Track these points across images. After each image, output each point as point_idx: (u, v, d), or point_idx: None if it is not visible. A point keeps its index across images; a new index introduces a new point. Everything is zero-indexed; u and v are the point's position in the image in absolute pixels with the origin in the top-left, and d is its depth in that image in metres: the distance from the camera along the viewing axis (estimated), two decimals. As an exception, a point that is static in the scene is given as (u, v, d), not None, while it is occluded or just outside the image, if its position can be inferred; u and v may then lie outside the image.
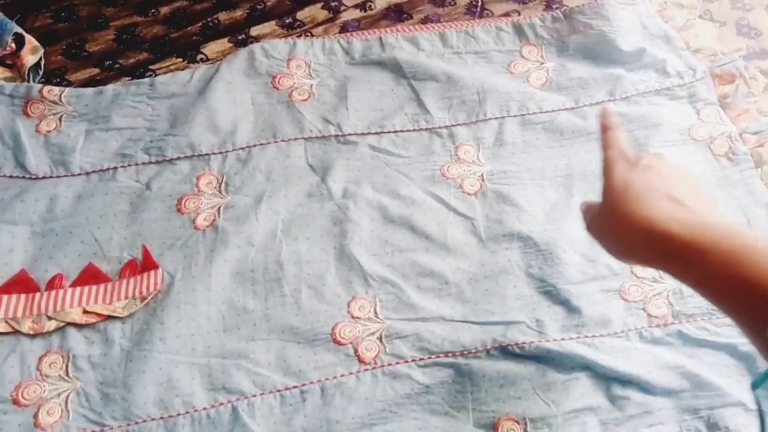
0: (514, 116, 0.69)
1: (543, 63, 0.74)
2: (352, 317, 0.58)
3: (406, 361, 0.56)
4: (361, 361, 0.56)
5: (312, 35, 0.76)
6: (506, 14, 0.80)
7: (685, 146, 0.69)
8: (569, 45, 0.75)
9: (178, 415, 0.53)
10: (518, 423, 0.54)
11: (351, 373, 0.55)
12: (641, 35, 0.75)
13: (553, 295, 0.59)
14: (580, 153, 0.67)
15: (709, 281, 0.36)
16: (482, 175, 0.66)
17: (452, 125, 0.69)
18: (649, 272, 0.61)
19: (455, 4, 0.81)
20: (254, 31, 0.77)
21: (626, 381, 0.55)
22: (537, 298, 0.59)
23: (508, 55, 0.75)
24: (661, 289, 0.60)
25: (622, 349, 0.57)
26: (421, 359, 0.56)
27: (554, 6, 0.80)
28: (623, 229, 0.40)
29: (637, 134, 0.68)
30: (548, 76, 0.73)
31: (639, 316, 0.59)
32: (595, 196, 0.64)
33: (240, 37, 0.76)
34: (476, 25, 0.77)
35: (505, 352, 0.56)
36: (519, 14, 0.79)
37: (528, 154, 0.67)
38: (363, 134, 0.68)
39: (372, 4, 0.80)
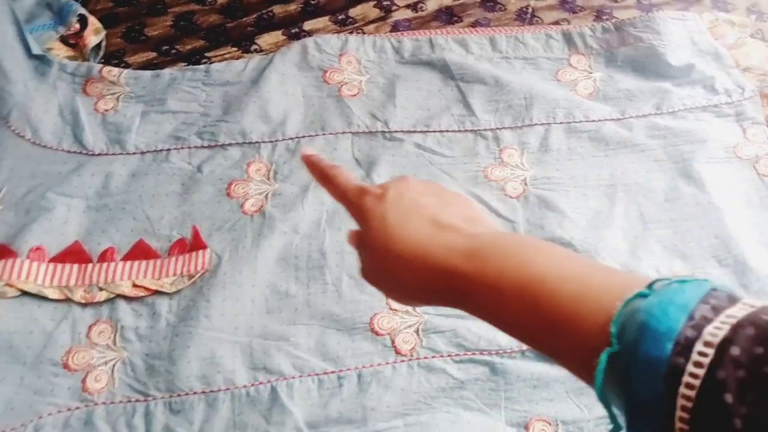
0: (560, 123, 0.70)
1: (591, 73, 0.75)
2: (391, 309, 0.59)
3: (442, 356, 0.57)
4: (397, 352, 0.57)
5: (363, 32, 0.78)
6: (556, 22, 0.80)
7: (729, 164, 0.69)
8: (618, 56, 0.75)
9: (219, 390, 0.54)
10: (550, 425, 0.54)
11: (387, 363, 0.56)
12: (691, 51, 0.75)
13: (589, 301, 0.60)
14: (624, 164, 0.68)
15: (512, 323, 0.30)
16: (525, 179, 0.67)
17: (498, 128, 0.70)
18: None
19: (505, 9, 0.82)
20: (307, 25, 0.78)
21: (659, 391, 0.55)
22: (574, 304, 0.60)
23: (557, 62, 0.75)
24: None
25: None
26: (456, 355, 0.57)
27: (604, 17, 0.81)
28: (400, 271, 0.34)
29: (682, 149, 0.69)
30: (596, 86, 0.74)
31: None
32: (638, 207, 0.65)
33: (293, 31, 0.78)
34: (526, 31, 0.78)
35: (540, 354, 0.57)
36: (569, 23, 0.80)
37: (572, 161, 0.68)
38: (409, 132, 0.69)
39: (423, 5, 0.81)
